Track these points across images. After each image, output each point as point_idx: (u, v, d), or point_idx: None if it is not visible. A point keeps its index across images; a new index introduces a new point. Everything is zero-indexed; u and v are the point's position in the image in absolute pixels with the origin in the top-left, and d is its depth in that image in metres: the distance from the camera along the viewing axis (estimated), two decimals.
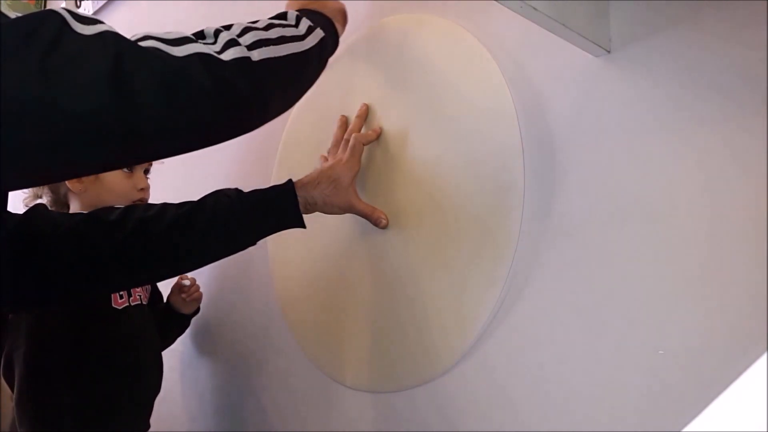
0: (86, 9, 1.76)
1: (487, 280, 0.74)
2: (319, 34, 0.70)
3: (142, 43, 0.51)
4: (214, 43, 0.57)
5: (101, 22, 0.50)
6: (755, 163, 0.56)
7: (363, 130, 0.90)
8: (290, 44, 0.64)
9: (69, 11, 0.48)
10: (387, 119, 0.88)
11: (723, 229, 0.58)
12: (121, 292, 1.06)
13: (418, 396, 0.82)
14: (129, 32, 0.52)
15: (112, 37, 0.49)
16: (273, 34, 0.63)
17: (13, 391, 0.99)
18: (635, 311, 0.63)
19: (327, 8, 0.78)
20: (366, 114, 0.90)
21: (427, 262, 0.80)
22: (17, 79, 0.43)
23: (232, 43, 0.57)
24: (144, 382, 1.07)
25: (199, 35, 0.58)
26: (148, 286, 1.18)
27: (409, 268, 0.83)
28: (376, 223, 0.85)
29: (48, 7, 0.52)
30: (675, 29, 0.63)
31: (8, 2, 1.87)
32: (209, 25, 0.61)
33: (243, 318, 1.15)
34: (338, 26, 0.79)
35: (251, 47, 0.59)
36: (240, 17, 0.66)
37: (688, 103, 0.61)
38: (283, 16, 0.69)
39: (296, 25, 0.68)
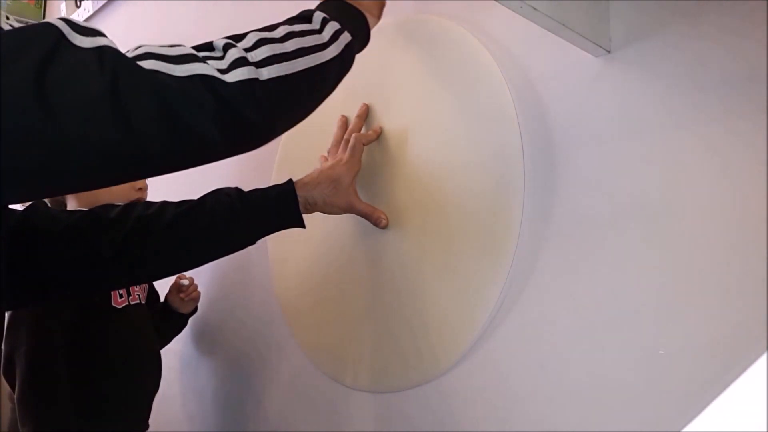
0: (86, 9, 1.76)
1: (487, 280, 0.74)
2: (345, 39, 0.64)
3: (142, 62, 0.49)
4: (222, 58, 0.53)
5: (101, 35, 0.48)
6: (756, 162, 0.56)
7: (363, 130, 0.90)
8: (308, 57, 0.59)
9: (67, 21, 0.47)
10: (387, 119, 0.88)
11: (722, 230, 0.58)
12: (120, 291, 1.06)
13: (418, 396, 0.82)
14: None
15: (111, 53, 0.47)
16: (290, 45, 0.58)
17: (13, 390, 0.99)
18: (635, 311, 0.63)
19: (364, 2, 0.71)
20: (366, 114, 0.90)
21: (427, 262, 0.80)
22: (12, 94, 0.42)
23: (240, 62, 0.53)
24: (143, 381, 1.07)
25: (207, 47, 0.55)
26: (146, 285, 1.18)
27: (409, 268, 0.82)
28: (376, 223, 0.85)
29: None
30: (675, 29, 0.63)
31: (8, 2, 1.87)
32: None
33: (242, 318, 1.15)
34: (372, 20, 0.72)
35: (261, 64, 0.54)
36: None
37: (689, 103, 0.61)
38: (308, 17, 0.64)
39: (320, 31, 0.62)
